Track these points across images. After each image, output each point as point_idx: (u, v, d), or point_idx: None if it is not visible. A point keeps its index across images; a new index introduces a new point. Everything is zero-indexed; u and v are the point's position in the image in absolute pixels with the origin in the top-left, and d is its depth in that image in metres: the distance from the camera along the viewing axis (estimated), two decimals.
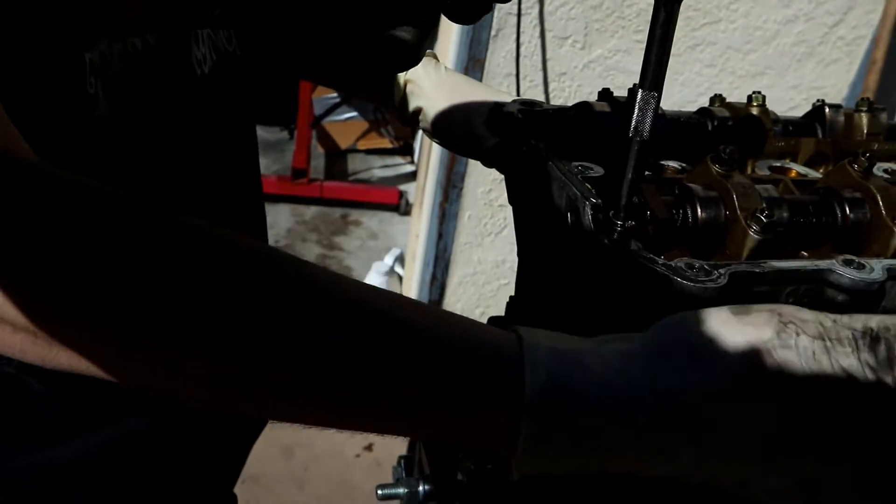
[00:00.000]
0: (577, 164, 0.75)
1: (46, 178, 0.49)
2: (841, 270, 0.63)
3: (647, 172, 0.75)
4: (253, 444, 1.11)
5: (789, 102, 2.84)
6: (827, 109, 0.92)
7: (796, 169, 0.84)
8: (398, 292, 3.21)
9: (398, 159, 5.14)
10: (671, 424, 0.52)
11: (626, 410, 0.51)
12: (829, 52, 2.79)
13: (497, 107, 0.89)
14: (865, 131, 0.91)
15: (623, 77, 2.63)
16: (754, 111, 0.87)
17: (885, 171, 0.88)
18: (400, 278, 3.24)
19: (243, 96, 0.89)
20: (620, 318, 0.63)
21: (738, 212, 0.64)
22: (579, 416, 0.51)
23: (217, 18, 0.76)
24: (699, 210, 0.65)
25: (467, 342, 0.54)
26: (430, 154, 2.92)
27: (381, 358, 0.52)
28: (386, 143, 5.15)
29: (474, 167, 2.69)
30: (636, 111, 0.62)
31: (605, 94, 0.87)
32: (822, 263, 0.64)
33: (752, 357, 0.51)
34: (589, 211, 0.66)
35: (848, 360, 0.51)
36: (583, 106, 0.84)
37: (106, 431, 0.77)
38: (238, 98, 0.87)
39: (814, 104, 0.96)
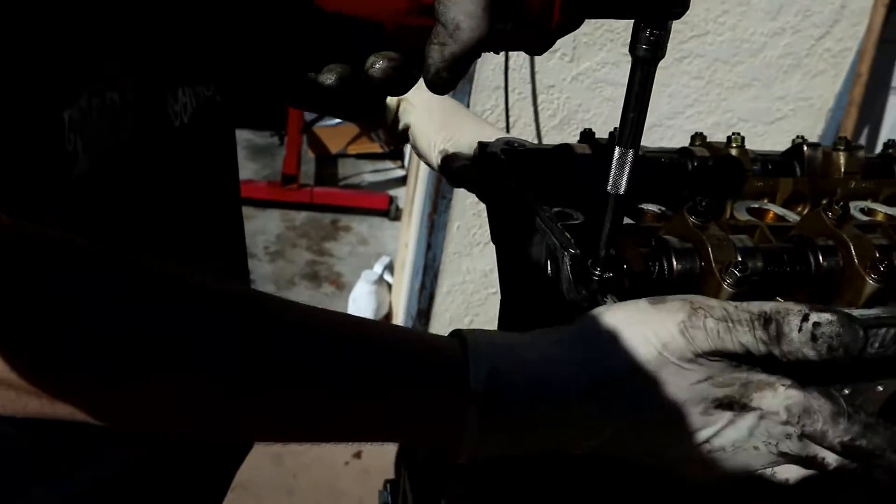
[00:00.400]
0: (557, 209, 0.76)
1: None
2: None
3: (626, 220, 0.76)
4: (232, 475, 1.13)
5: (776, 113, 2.86)
6: (805, 148, 0.93)
7: (774, 210, 0.85)
8: (387, 301, 3.22)
9: (388, 164, 5.15)
10: (597, 402, 0.59)
11: (559, 392, 0.58)
12: (815, 64, 2.81)
13: (481, 147, 0.90)
14: (843, 169, 0.93)
15: (611, 89, 2.65)
16: (733, 152, 0.88)
17: (862, 210, 0.90)
18: (389, 286, 3.25)
19: (224, 139, 0.91)
20: None
21: (713, 264, 0.66)
22: (519, 400, 0.58)
23: (193, 74, 0.77)
24: (674, 262, 0.66)
25: (416, 349, 0.61)
26: (420, 165, 2.93)
27: (333, 373, 0.57)
28: (376, 148, 5.16)
29: None
30: (613, 168, 0.64)
31: (586, 135, 0.88)
32: None
33: (666, 337, 0.58)
34: (567, 262, 0.67)
35: (746, 338, 0.59)
36: (564, 148, 0.85)
37: (77, 476, 0.78)
38: (219, 141, 0.88)
39: (793, 141, 0.98)
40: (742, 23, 2.68)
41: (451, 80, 0.60)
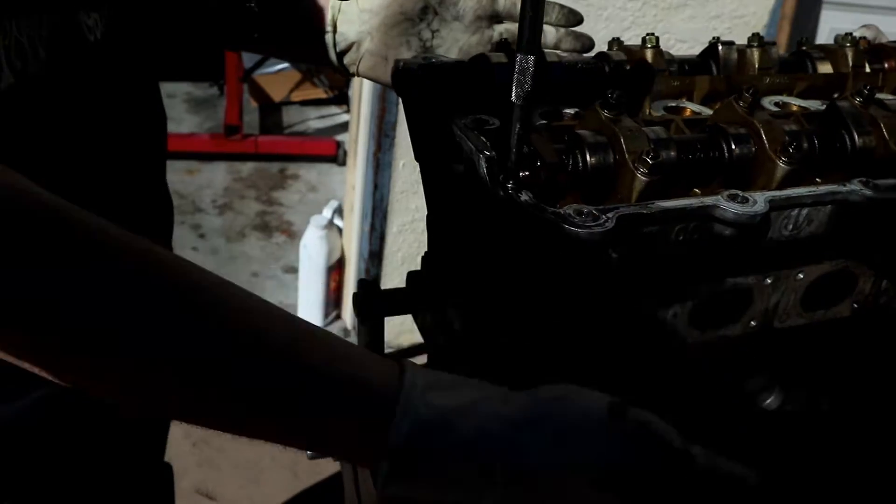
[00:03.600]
0: (474, 117, 0.76)
1: None
2: (725, 206, 0.66)
3: (542, 122, 0.77)
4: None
5: (712, 32, 2.88)
6: (720, 47, 0.94)
7: (691, 107, 0.87)
8: (338, 245, 3.21)
9: (334, 109, 5.08)
10: (520, 493, 0.57)
11: (480, 477, 0.57)
12: None
13: (397, 64, 0.89)
14: (757, 66, 0.94)
15: None
16: (649, 53, 0.89)
17: (776, 104, 0.92)
18: (339, 230, 3.24)
19: (139, 59, 0.90)
20: (518, 272, 0.65)
21: (626, 155, 0.67)
22: (435, 472, 0.57)
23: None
24: (588, 155, 0.67)
25: (347, 375, 0.58)
26: (361, 105, 2.90)
27: (255, 383, 0.55)
28: (321, 94, 5.07)
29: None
30: (515, 76, 0.64)
31: (501, 45, 0.88)
32: (708, 200, 0.67)
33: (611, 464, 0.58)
34: (483, 164, 0.68)
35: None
36: (480, 59, 0.85)
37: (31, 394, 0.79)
38: (134, 61, 0.88)
39: (710, 42, 0.99)
40: None
41: None
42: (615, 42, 0.94)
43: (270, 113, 5.00)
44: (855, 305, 0.92)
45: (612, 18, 2.73)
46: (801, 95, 0.97)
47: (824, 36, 3.20)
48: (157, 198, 1.04)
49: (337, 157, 4.44)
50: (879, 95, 0.94)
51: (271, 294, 3.53)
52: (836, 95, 0.99)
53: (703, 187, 0.75)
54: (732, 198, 0.67)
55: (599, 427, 0.59)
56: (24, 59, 0.70)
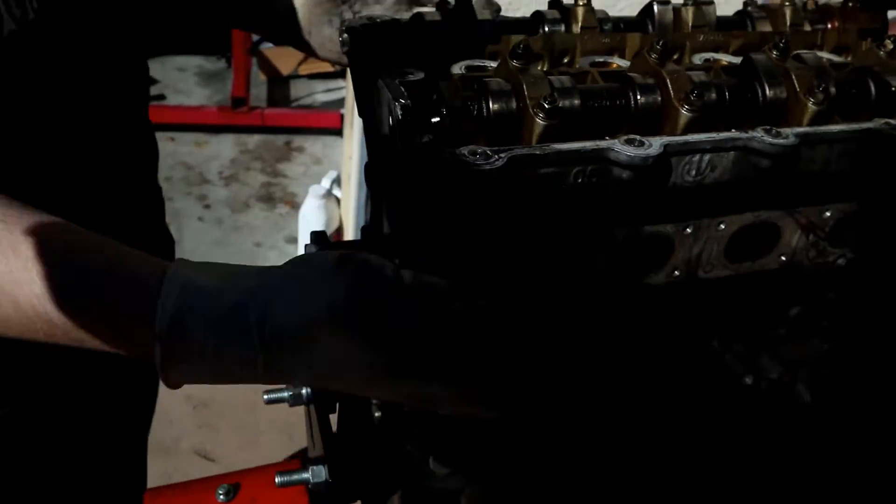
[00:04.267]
0: (398, 69, 0.80)
1: None
2: (620, 149, 0.70)
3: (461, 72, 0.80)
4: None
5: None
6: (656, 7, 0.97)
7: (617, 62, 0.90)
8: (336, 215, 3.26)
9: (341, 82, 5.10)
10: (284, 351, 0.63)
11: (240, 342, 0.62)
12: None
13: (342, 23, 0.93)
14: (691, 24, 0.97)
15: None
16: (580, 11, 0.92)
17: (706, 60, 0.94)
18: (338, 200, 3.28)
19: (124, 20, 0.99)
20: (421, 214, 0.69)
21: (528, 101, 0.70)
22: (198, 348, 0.62)
23: None
24: (491, 101, 0.71)
25: (115, 276, 0.65)
26: None
27: (30, 287, 0.62)
28: (328, 67, 5.10)
29: None
30: None
31: (440, 3, 0.92)
32: (603, 143, 0.70)
33: (350, 299, 0.63)
34: (399, 111, 0.72)
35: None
36: (416, 17, 0.89)
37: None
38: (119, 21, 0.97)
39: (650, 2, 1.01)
40: None
41: None
42: (556, 3, 0.97)
43: (278, 86, 5.05)
44: (783, 259, 0.94)
45: None
46: (737, 54, 1.00)
47: None
48: (143, 139, 1.14)
49: (342, 129, 4.47)
50: (809, 53, 0.97)
51: (273, 262, 3.58)
52: None
53: (610, 135, 0.78)
54: (629, 142, 0.70)
55: (330, 276, 0.64)
56: (23, 8, 0.79)
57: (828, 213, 0.91)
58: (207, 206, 3.96)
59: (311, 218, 3.17)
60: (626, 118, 0.77)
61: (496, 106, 0.71)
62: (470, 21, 0.88)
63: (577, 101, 0.73)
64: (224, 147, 4.44)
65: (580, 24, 0.92)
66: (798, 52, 0.89)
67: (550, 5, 0.98)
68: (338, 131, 4.51)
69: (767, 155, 0.75)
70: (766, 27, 1.03)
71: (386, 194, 0.85)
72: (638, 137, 0.71)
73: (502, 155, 0.65)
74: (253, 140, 4.51)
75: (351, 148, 3.09)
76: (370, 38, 0.89)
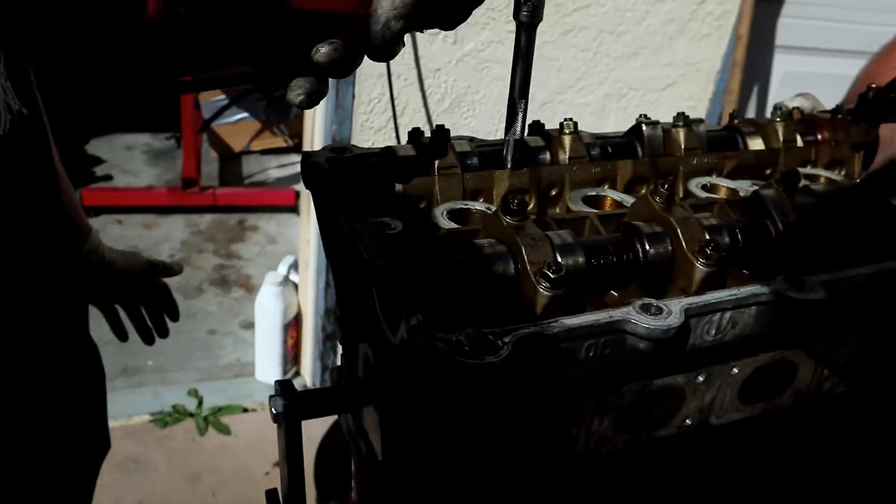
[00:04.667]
0: (376, 220, 0.71)
1: None
2: (636, 319, 0.61)
3: (449, 224, 0.72)
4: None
5: (665, 80, 2.88)
6: (644, 127, 0.90)
7: (612, 196, 0.82)
8: (294, 301, 3.14)
9: (294, 157, 5.03)
10: None
11: None
12: (699, 28, 2.83)
13: (305, 157, 0.84)
14: (683, 146, 0.90)
15: (499, 68, 2.61)
16: (567, 139, 0.85)
17: (704, 186, 0.88)
18: (296, 286, 3.16)
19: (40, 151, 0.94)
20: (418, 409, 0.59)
21: (528, 266, 0.62)
22: None
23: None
24: (488, 267, 0.62)
25: None
26: None
27: None
28: (280, 143, 5.03)
29: None
30: (507, 115, 0.74)
31: (413, 134, 0.83)
32: (617, 313, 0.62)
33: None
34: (379, 285, 0.62)
35: None
36: (387, 152, 0.80)
37: None
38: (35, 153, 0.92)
39: (637, 120, 0.95)
40: None
41: (398, 33, 0.64)
42: (535, 125, 0.90)
43: (230, 163, 4.94)
44: (797, 394, 0.87)
45: (564, 69, 2.71)
46: (732, 174, 0.93)
47: (778, 80, 3.22)
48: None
49: (297, 206, 4.37)
50: (810, 171, 0.91)
51: (228, 352, 3.43)
52: (767, 172, 0.95)
53: (619, 290, 0.70)
54: (645, 309, 0.62)
55: None
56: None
57: (845, 346, 0.84)
58: None
59: (267, 306, 3.04)
60: (634, 272, 0.69)
61: (491, 274, 0.62)
62: (445, 153, 0.80)
63: (581, 260, 0.65)
64: (175, 228, 4.29)
65: (567, 153, 0.85)
66: (805, 182, 0.83)
67: (532, 131, 0.91)
68: (292, 208, 4.41)
69: (793, 307, 0.67)
70: (758, 143, 0.98)
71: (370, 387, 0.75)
72: (654, 303, 0.63)
73: (506, 339, 0.56)
74: (205, 220, 4.37)
75: (308, 233, 2.99)
76: (336, 175, 0.80)
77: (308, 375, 3.23)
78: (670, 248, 0.69)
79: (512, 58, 0.78)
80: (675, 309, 0.62)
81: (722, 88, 2.94)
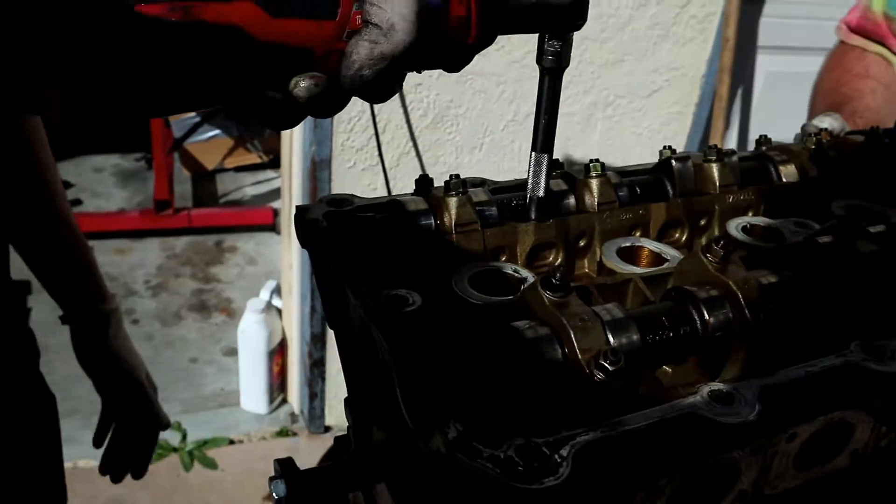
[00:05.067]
0: (391, 294, 0.62)
1: None
2: (710, 414, 0.53)
3: (476, 296, 0.63)
4: None
5: (651, 86, 2.81)
6: (674, 162, 0.82)
7: (648, 247, 0.74)
8: (279, 328, 3.03)
9: (270, 173, 4.91)
10: None
11: None
12: (683, 32, 2.77)
13: (300, 212, 0.75)
14: (718, 183, 0.82)
15: (481, 80, 2.53)
16: (594, 183, 0.76)
17: (744, 228, 0.80)
18: (279, 311, 3.06)
19: None
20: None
21: (579, 354, 0.53)
22: None
23: None
24: (533, 357, 0.53)
25: None
26: (293, 175, 2.74)
27: None
28: (255, 159, 4.91)
29: (339, 184, 2.54)
30: (530, 173, 0.69)
31: (421, 182, 0.74)
32: (685, 405, 0.53)
33: None
34: (408, 394, 0.53)
35: None
36: (395, 206, 0.71)
37: None
38: None
39: (660, 152, 0.86)
40: None
41: (371, 81, 0.58)
42: (556, 165, 0.81)
43: (204, 181, 4.81)
44: (854, 454, 0.79)
45: None
46: (766, 206, 0.85)
47: (761, 82, 3.16)
48: None
49: (275, 225, 4.26)
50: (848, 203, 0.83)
51: (211, 381, 3.32)
52: (803, 203, 0.87)
53: (673, 366, 0.62)
54: (716, 399, 0.53)
55: None
56: None
57: None
58: (135, 321, 3.66)
59: (251, 333, 2.93)
60: (692, 347, 0.60)
61: (537, 363, 0.53)
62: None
63: (636, 338, 0.56)
64: (149, 253, 4.16)
65: (596, 198, 0.76)
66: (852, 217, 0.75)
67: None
68: (270, 227, 4.30)
69: (873, 379, 0.59)
70: (791, 172, 0.90)
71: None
72: (723, 389, 0.54)
73: (564, 453, 0.47)
74: (180, 243, 4.25)
75: (290, 256, 2.89)
76: (338, 235, 0.71)
77: (296, 402, 3.13)
78: (731, 314, 0.60)
79: (535, 106, 0.69)
80: (749, 394, 0.54)
81: (708, 92, 2.88)
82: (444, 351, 0.54)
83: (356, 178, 2.55)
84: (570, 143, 2.78)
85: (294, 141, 2.66)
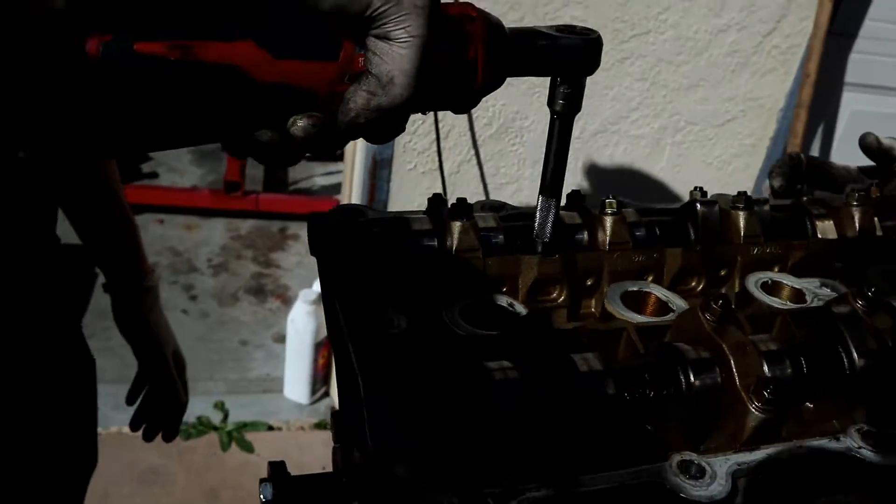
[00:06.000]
0: (378, 314, 0.61)
1: None
2: (674, 482, 0.50)
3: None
4: None
5: (725, 115, 2.73)
6: (699, 206, 0.79)
7: (656, 294, 0.71)
8: (323, 322, 3.06)
9: (340, 166, 4.96)
10: None
11: None
12: (763, 62, 2.68)
13: (315, 218, 0.75)
14: (743, 233, 0.79)
15: None
16: (608, 220, 0.74)
17: (765, 284, 0.76)
18: None
19: None
20: None
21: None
22: None
23: None
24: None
25: None
26: (354, 166, 2.77)
27: None
28: None
29: (398, 185, 2.55)
30: (537, 216, 0.68)
31: (434, 201, 0.73)
32: (650, 471, 0.51)
33: None
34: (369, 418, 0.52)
35: None
36: (400, 223, 0.71)
37: None
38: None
39: (691, 193, 0.83)
40: (685, 20, 2.54)
41: (367, 129, 0.58)
42: (575, 194, 0.80)
43: (276, 167, 4.91)
44: None
45: (618, 98, 2.59)
46: (798, 264, 0.81)
47: (844, 121, 3.04)
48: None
49: None
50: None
51: (258, 365, 3.38)
52: (838, 266, 0.83)
53: (656, 426, 0.59)
54: (684, 469, 0.51)
55: None
56: None
57: None
58: (193, 298, 3.76)
59: (299, 324, 2.97)
60: (673, 410, 0.57)
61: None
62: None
63: (610, 392, 0.54)
64: (215, 232, 4.27)
65: (608, 236, 0.74)
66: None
67: (570, 202, 0.80)
68: None
69: (868, 471, 0.56)
70: (830, 229, 0.85)
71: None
72: (695, 461, 0.52)
73: None
74: (246, 225, 4.34)
75: None
76: (342, 248, 0.70)
77: (337, 397, 3.16)
78: (719, 380, 0.57)
79: (546, 142, 0.68)
80: (720, 471, 0.51)
81: (784, 127, 2.78)
82: (416, 379, 0.53)
83: (415, 181, 2.56)
84: (636, 167, 2.73)
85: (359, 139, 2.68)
